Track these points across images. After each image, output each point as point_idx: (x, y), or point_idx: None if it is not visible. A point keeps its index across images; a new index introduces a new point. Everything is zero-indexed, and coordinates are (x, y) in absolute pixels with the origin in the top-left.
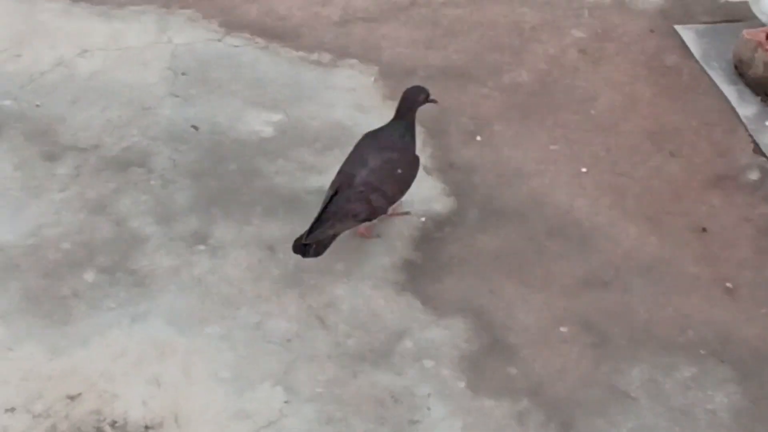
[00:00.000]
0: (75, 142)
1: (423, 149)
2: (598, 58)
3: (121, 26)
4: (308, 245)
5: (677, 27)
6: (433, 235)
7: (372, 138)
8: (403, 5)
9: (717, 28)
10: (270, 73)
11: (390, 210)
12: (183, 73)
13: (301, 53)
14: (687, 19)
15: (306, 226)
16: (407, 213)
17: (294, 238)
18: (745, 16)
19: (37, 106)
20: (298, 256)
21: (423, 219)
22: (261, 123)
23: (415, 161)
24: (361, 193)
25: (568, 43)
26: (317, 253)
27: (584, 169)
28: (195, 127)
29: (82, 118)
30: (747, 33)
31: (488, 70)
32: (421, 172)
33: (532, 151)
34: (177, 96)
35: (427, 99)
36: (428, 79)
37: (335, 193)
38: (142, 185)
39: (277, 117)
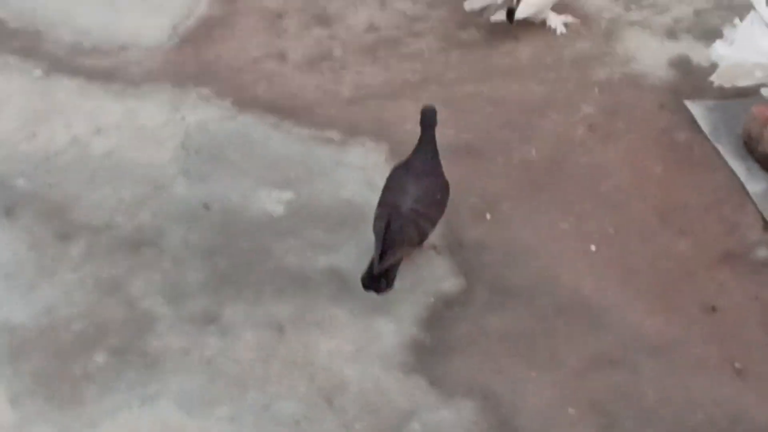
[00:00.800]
0: (88, 221)
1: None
2: (608, 134)
3: (136, 105)
4: (380, 278)
5: (687, 102)
6: (442, 314)
7: (404, 169)
8: (414, 83)
9: (727, 104)
10: (282, 151)
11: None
12: (196, 152)
13: (312, 131)
14: (697, 94)
15: (315, 306)
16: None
17: (304, 317)
18: (755, 93)
19: (51, 185)
20: (309, 337)
21: (432, 299)
22: (272, 201)
23: (447, 185)
24: (411, 220)
25: (577, 120)
26: (389, 286)
27: (593, 247)
28: (207, 206)
29: (95, 197)
30: (756, 109)
31: (498, 148)
32: (430, 252)
33: (541, 230)
34: (190, 174)
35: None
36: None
37: (387, 225)
38: (154, 265)
39: (288, 195)
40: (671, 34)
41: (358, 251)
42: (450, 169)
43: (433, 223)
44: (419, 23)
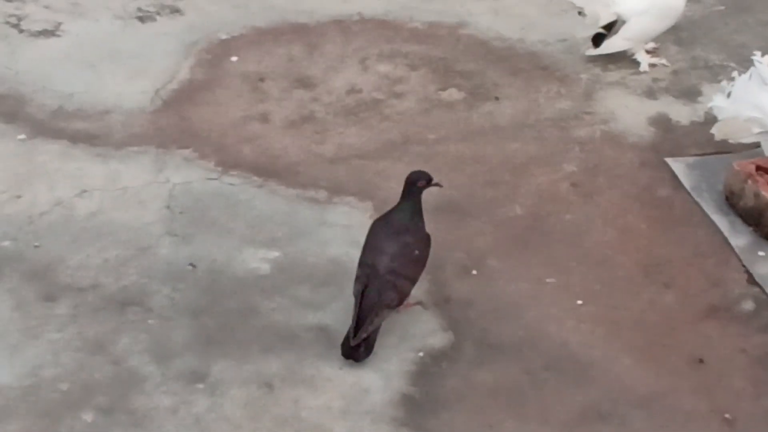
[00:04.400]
0: (73, 282)
1: (419, 284)
2: (590, 191)
3: (119, 167)
4: (358, 346)
5: (668, 159)
6: (430, 370)
7: (383, 224)
8: (398, 142)
9: (707, 160)
10: (266, 211)
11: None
12: (181, 212)
13: (297, 191)
14: (677, 151)
15: (303, 362)
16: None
17: (293, 373)
18: (734, 149)
19: (36, 246)
20: (298, 393)
21: (421, 354)
22: (258, 260)
23: (428, 240)
24: (389, 282)
25: (559, 177)
26: (368, 353)
27: (580, 302)
28: (193, 265)
29: (80, 258)
30: (737, 164)
31: (482, 205)
32: (417, 308)
33: (527, 285)
34: (175, 235)
35: (429, 183)
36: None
37: (365, 288)
38: (140, 324)
39: (274, 254)
40: (650, 93)
41: (344, 308)
42: (435, 227)
43: (413, 281)
44: (400, 85)
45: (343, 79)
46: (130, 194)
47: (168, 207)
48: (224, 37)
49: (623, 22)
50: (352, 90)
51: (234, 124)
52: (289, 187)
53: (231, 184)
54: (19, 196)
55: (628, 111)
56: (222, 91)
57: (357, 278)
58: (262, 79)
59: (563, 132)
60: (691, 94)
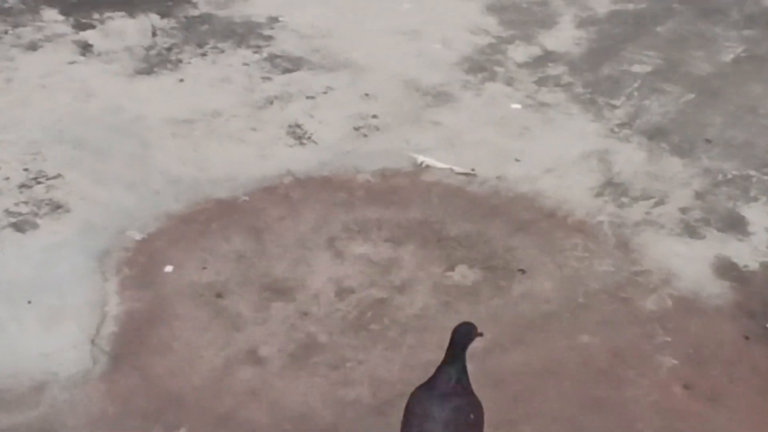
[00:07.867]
0: None
1: None
2: (712, 393)
3: None
4: None
5: None
6: None
7: (427, 390)
8: (437, 362)
9: None
10: None
11: None
12: None
13: None
14: None
15: None
16: None
17: None
18: None
19: None
20: None
21: None
22: None
23: (480, 404)
24: None
25: (665, 379)
26: None
27: None
28: None
29: None
30: None
31: None
32: None
33: None
34: None
35: (476, 334)
36: None
37: None
38: None
39: None
40: (690, 230)
41: None
42: None
43: None
44: (395, 272)
45: (322, 277)
46: None
47: None
48: (138, 237)
49: None
50: (342, 290)
51: (219, 374)
52: None
53: None
54: None
55: (683, 261)
56: (179, 325)
57: None
58: (219, 295)
59: (627, 306)
60: (737, 224)
